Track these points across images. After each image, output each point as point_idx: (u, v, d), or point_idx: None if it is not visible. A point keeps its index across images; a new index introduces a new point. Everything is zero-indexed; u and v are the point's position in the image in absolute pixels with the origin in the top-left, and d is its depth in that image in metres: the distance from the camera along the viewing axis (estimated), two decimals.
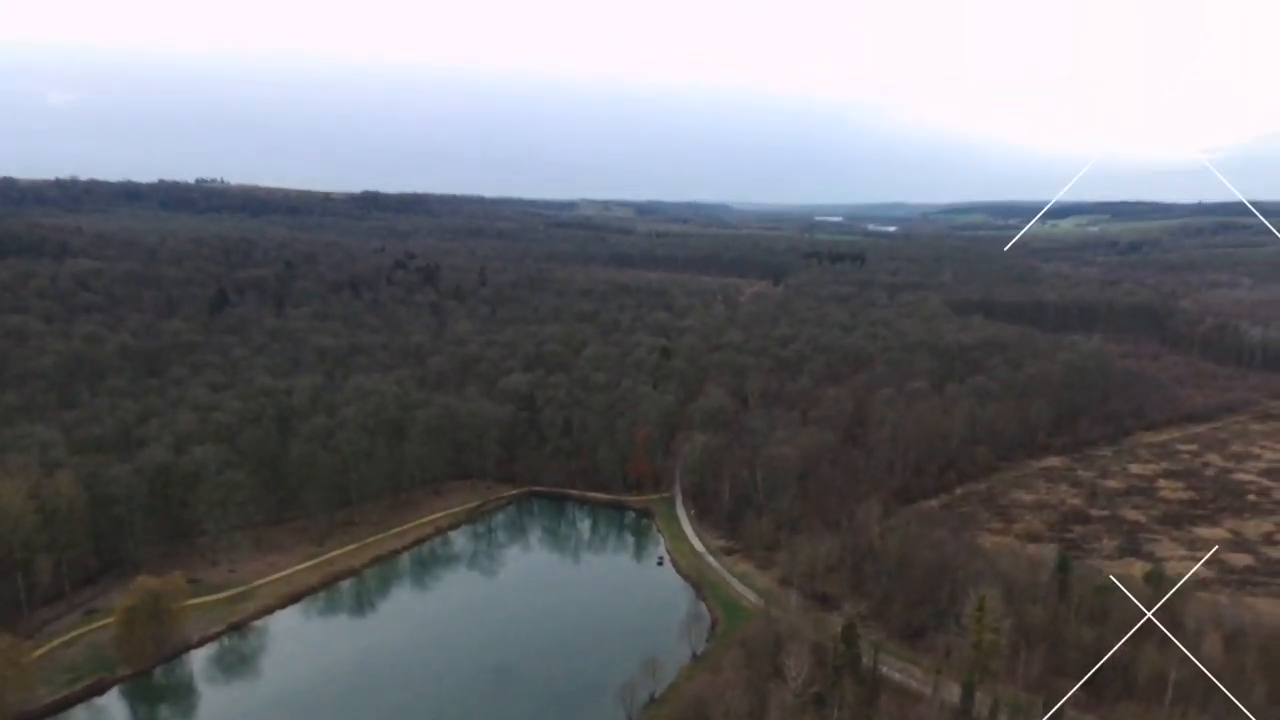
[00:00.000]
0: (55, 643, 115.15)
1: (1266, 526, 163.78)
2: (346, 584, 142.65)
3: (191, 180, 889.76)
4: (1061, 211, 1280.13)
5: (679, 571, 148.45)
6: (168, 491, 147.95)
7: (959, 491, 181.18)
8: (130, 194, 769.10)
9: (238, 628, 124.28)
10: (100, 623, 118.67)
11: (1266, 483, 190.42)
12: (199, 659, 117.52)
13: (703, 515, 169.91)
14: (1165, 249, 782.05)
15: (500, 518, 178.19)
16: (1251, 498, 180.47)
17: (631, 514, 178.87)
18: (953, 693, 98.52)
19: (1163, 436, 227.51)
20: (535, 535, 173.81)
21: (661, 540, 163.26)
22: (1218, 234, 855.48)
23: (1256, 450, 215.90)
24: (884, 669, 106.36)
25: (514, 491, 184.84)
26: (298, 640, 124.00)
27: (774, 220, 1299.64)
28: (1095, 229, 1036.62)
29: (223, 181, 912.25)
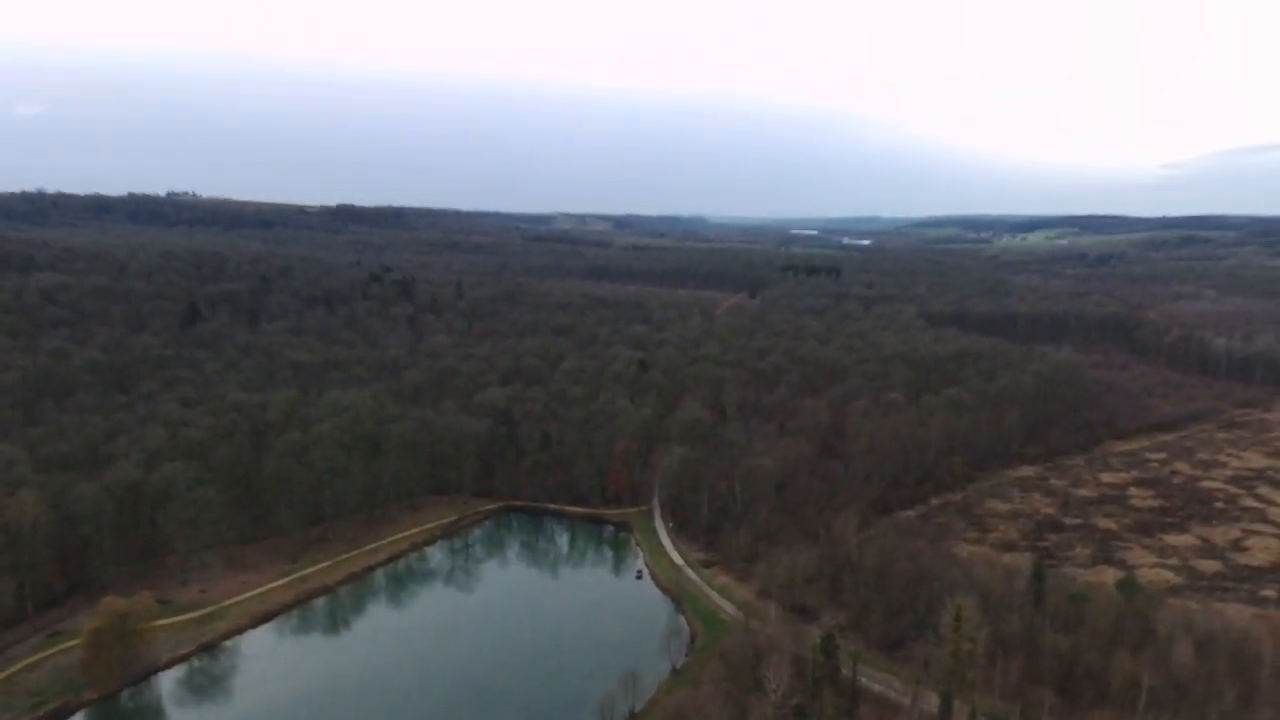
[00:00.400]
0: (18, 666, 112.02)
1: (1234, 533, 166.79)
2: (320, 602, 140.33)
3: (162, 193, 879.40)
4: (1032, 225, 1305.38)
5: (658, 585, 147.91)
6: (136, 510, 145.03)
7: (935, 502, 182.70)
8: (99, 207, 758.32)
9: (208, 648, 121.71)
10: (66, 645, 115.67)
11: (1233, 490, 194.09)
12: (168, 681, 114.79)
13: (681, 528, 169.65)
14: (1131, 261, 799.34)
15: (477, 533, 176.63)
16: (1219, 505, 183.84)
17: (610, 528, 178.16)
18: (931, 703, 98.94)
19: (1132, 445, 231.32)
20: (513, 550, 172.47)
21: (640, 554, 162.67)
22: (1181, 247, 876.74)
23: (1222, 458, 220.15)
24: (863, 680, 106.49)
25: (491, 506, 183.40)
26: (270, 660, 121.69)
27: (750, 233, 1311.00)
28: (1064, 242, 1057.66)
29: (194, 194, 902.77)
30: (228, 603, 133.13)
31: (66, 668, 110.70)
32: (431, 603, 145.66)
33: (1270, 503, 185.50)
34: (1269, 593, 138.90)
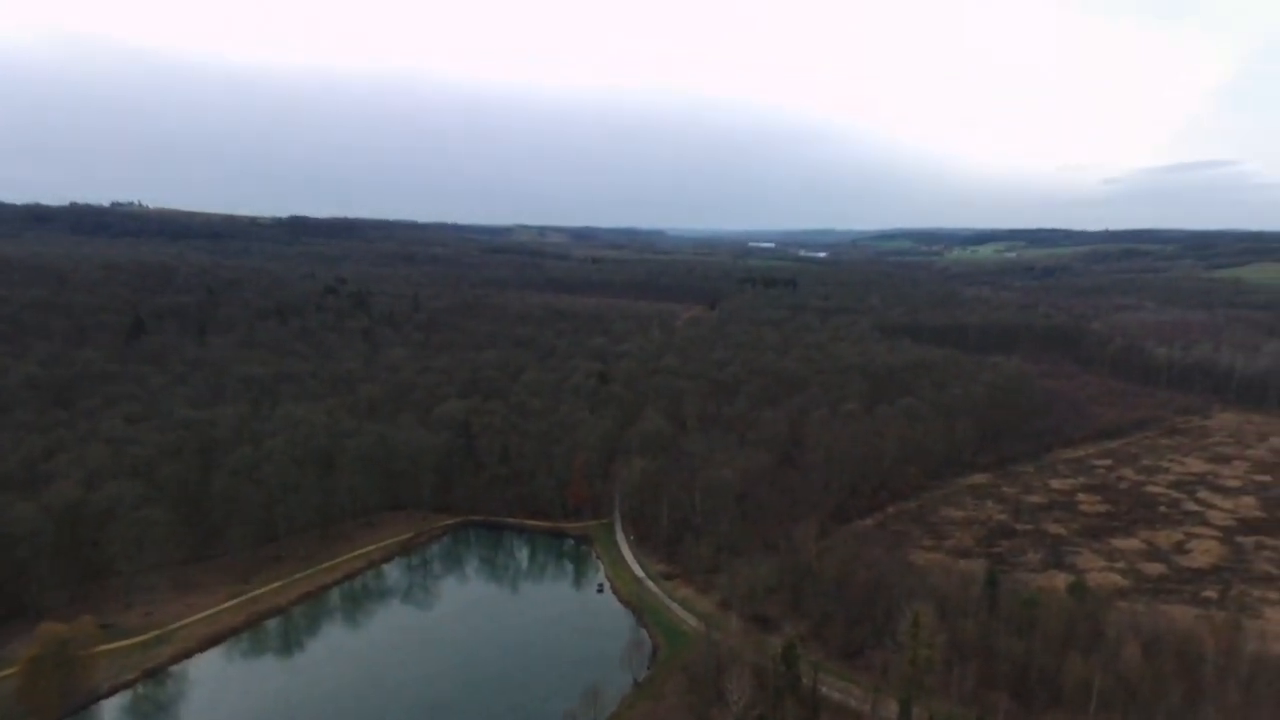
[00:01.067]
0: None
1: (1177, 536, 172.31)
2: (273, 623, 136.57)
3: (106, 203, 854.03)
4: (981, 238, 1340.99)
5: (619, 598, 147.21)
6: (77, 531, 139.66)
7: (891, 510, 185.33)
8: (38, 217, 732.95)
9: (154, 674, 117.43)
10: (2, 674, 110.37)
11: (1175, 494, 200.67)
12: (110, 709, 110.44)
13: (642, 540, 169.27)
14: (1076, 274, 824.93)
15: (435, 549, 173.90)
16: (1163, 509, 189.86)
17: (570, 541, 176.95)
18: (891, 710, 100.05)
19: (1080, 452, 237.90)
20: (472, 565, 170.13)
21: (601, 567, 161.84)
22: (1122, 260, 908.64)
23: (1165, 464, 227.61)
24: (824, 689, 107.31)
25: (450, 521, 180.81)
26: (219, 685, 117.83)
27: (708, 246, 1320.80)
28: (1012, 255, 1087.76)
29: (140, 204, 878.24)
30: (174, 626, 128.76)
31: (3, 697, 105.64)
32: (389, 622, 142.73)
33: (1210, 506, 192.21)
34: (1210, 593, 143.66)
